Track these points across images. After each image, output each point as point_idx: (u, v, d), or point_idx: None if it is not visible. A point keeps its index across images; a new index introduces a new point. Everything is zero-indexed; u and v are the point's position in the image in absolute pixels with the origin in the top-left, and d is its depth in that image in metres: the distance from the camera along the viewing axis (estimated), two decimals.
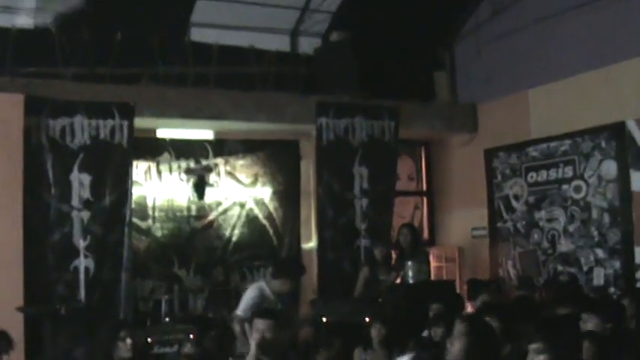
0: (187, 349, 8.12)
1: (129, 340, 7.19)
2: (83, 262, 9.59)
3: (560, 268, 10.59)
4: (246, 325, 8.56)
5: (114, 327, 7.59)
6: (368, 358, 8.03)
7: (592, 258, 10.17)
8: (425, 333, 8.54)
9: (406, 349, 8.23)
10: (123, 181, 9.92)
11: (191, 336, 9.13)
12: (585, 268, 10.25)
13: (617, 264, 9.85)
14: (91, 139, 9.74)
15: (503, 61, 11.77)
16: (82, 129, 9.70)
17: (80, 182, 9.66)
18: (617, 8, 10.01)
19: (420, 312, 8.94)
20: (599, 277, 10.03)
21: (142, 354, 8.54)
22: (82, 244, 9.61)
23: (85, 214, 9.66)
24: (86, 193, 9.68)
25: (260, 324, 6.29)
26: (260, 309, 7.82)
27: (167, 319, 10.04)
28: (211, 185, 11.27)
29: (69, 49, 10.11)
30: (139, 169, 10.82)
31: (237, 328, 8.55)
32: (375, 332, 8.18)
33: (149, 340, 9.03)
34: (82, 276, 9.59)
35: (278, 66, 11.50)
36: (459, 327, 5.63)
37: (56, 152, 9.58)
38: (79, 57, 10.15)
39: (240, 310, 8.59)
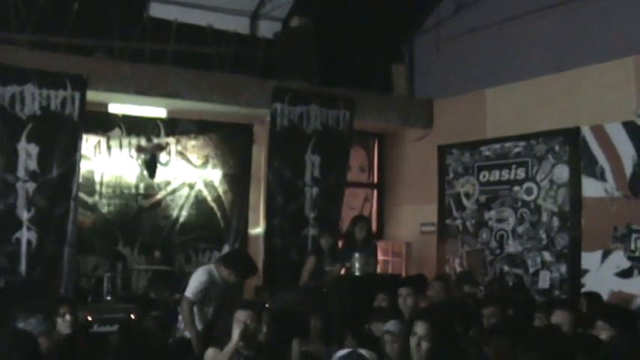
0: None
1: (68, 317, 7.06)
2: (26, 235, 9.37)
3: (506, 268, 10.63)
4: (195, 308, 8.49)
5: (54, 302, 7.44)
6: (307, 349, 7.98)
7: (539, 260, 10.23)
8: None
9: (345, 342, 8.21)
10: (71, 155, 9.70)
11: (132, 315, 9.03)
12: (532, 270, 10.30)
13: (564, 268, 9.92)
14: (42, 110, 9.49)
15: (462, 58, 11.79)
16: (32, 98, 9.45)
17: (27, 153, 9.42)
18: (579, 14, 10.07)
19: (363, 305, 8.90)
20: (544, 280, 10.09)
21: (82, 331, 8.40)
22: (25, 215, 9.38)
23: (31, 186, 9.43)
24: (33, 164, 9.44)
25: (241, 315, 6.21)
26: (232, 300, 7.76)
27: (109, 298, 9.89)
28: (162, 164, 11.12)
29: (24, 14, 9.86)
30: (89, 143, 10.63)
31: (185, 310, 8.45)
32: (314, 323, 8.14)
33: (89, 317, 8.85)
34: (24, 249, 9.36)
35: (236, 48, 11.36)
36: (421, 328, 5.57)
37: (4, 120, 9.32)
38: (34, 24, 9.90)
39: (190, 293, 8.48)
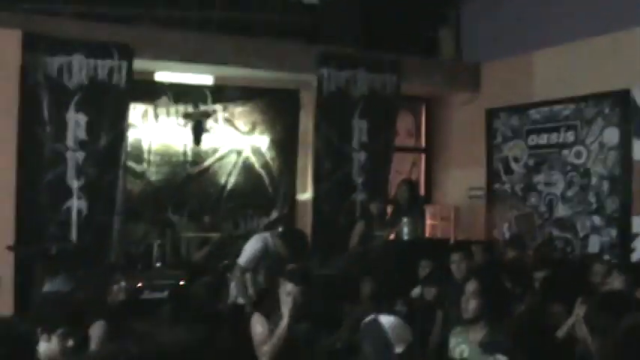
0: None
1: (123, 284, 7.15)
2: (76, 203, 9.48)
3: (556, 233, 10.54)
4: (247, 275, 8.54)
5: (108, 270, 7.53)
6: (357, 313, 7.99)
7: (588, 225, 10.12)
8: (416, 291, 8.52)
9: (395, 306, 8.23)
10: (119, 123, 9.77)
11: (181, 282, 9.12)
12: (581, 235, 10.20)
13: (614, 232, 9.79)
14: (89, 79, 9.56)
15: (509, 21, 11.61)
16: (79, 68, 9.52)
17: (76, 122, 9.51)
18: None
19: (412, 270, 8.91)
20: (594, 245, 9.99)
21: (133, 298, 8.51)
22: (75, 184, 9.48)
23: (80, 155, 9.52)
24: (82, 134, 9.53)
25: (291, 289, 6.20)
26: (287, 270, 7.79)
27: (158, 265, 10.00)
28: (208, 131, 11.17)
29: None
30: (136, 111, 10.70)
31: (238, 277, 8.50)
32: (363, 288, 8.16)
33: (140, 284, 8.95)
34: (74, 217, 9.47)
35: (282, 14, 11.33)
36: (471, 286, 5.66)
37: (53, 91, 9.40)
38: None
39: (243, 261, 8.53)
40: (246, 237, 9.14)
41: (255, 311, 7.44)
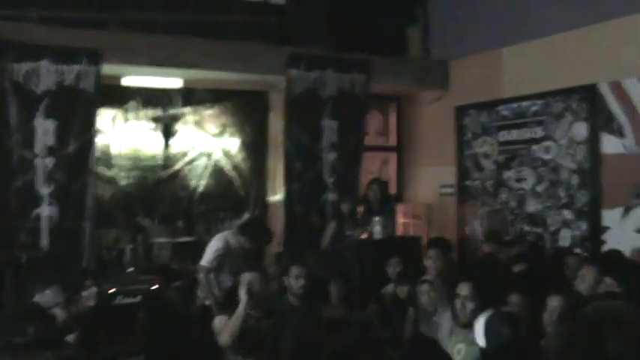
0: None
1: (94, 289, 7.13)
2: (46, 210, 9.40)
3: (527, 228, 10.59)
4: (210, 276, 8.57)
5: (78, 275, 7.50)
6: (329, 314, 8.01)
7: (559, 219, 10.17)
8: (388, 289, 8.54)
9: (367, 306, 8.25)
10: (88, 129, 9.69)
11: (154, 286, 9.09)
12: (552, 229, 10.24)
13: (584, 225, 9.85)
14: (57, 85, 9.47)
15: (477, 18, 11.64)
16: (47, 74, 9.44)
17: (44, 128, 9.42)
18: None
19: (385, 268, 8.95)
20: (565, 238, 10.04)
21: (105, 303, 8.47)
22: (45, 191, 9.40)
23: (49, 161, 9.43)
24: (50, 140, 9.44)
25: (247, 277, 6.24)
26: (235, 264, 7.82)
27: (131, 269, 9.95)
28: (178, 134, 11.12)
29: None
30: (105, 116, 10.64)
31: (202, 279, 8.54)
32: (334, 288, 8.18)
33: (111, 290, 8.91)
34: (44, 224, 9.39)
35: (250, 15, 11.31)
36: (464, 289, 5.76)
37: (20, 97, 9.31)
38: None
39: (205, 261, 8.59)
40: None
41: (220, 311, 7.52)
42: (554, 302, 5.82)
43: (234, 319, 6.14)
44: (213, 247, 8.67)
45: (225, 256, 8.61)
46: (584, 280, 6.60)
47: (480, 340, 4.20)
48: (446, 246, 8.53)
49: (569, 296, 6.30)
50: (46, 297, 6.33)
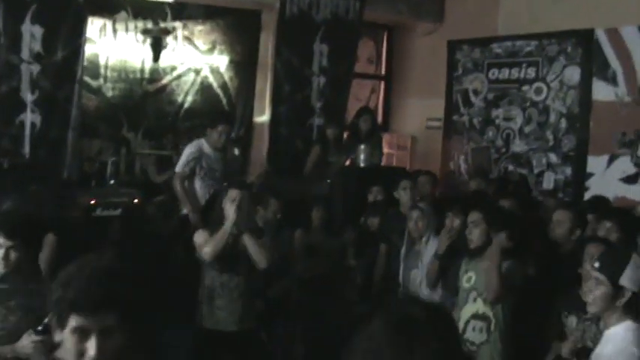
0: None
1: (76, 200, 7.11)
2: (30, 117, 9.28)
3: (511, 167, 10.60)
4: (186, 183, 8.59)
5: (60, 185, 7.45)
6: (309, 240, 8.04)
7: (544, 161, 10.18)
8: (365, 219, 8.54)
9: (344, 234, 8.26)
10: (76, 37, 9.52)
11: (135, 200, 9.06)
12: (536, 171, 10.27)
13: (569, 170, 9.88)
14: None
15: None
16: None
17: (32, 34, 9.23)
18: None
19: (366, 196, 8.92)
20: (549, 181, 10.06)
21: (85, 215, 8.45)
22: (29, 98, 9.26)
23: (35, 68, 9.27)
24: (37, 46, 9.26)
25: (234, 194, 6.20)
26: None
27: (112, 182, 9.90)
28: (167, 49, 10.96)
29: None
30: (94, 25, 10.43)
31: (177, 186, 8.56)
32: (316, 214, 8.18)
33: (92, 201, 8.86)
34: (27, 131, 9.28)
35: None
36: (473, 216, 5.91)
37: (7, 1, 9.10)
38: None
39: (178, 167, 8.61)
40: None
41: (198, 222, 7.54)
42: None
43: (219, 235, 6.10)
44: (186, 152, 8.72)
45: (199, 159, 8.62)
46: (560, 225, 6.60)
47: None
48: (431, 179, 8.54)
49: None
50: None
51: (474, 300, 5.74)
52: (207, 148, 8.67)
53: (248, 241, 6.13)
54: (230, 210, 6.11)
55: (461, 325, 5.69)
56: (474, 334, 5.70)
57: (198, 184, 8.68)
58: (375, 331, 2.38)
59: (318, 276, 7.74)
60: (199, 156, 8.63)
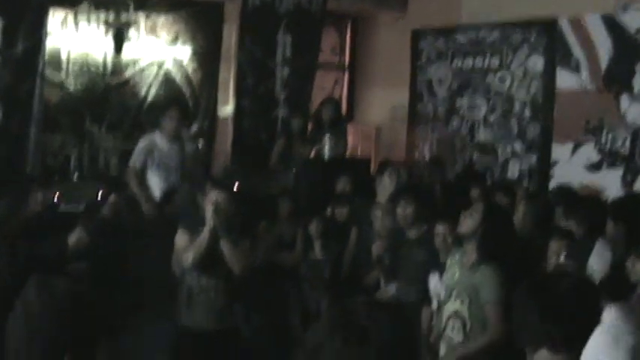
0: None
1: (40, 195, 7.03)
2: None
3: (476, 157, 10.63)
4: (157, 178, 8.55)
5: (24, 180, 7.36)
6: (274, 232, 8.03)
7: (509, 150, 10.23)
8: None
9: (310, 225, 8.24)
10: (37, 30, 9.42)
11: (99, 193, 8.97)
12: (501, 160, 10.31)
13: (534, 159, 9.93)
14: None
15: None
16: None
17: None
18: None
19: (332, 187, 8.92)
20: (514, 170, 10.11)
21: (49, 210, 8.35)
22: None
23: None
24: None
25: (215, 196, 6.15)
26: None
27: (76, 176, 9.80)
28: (130, 41, 10.84)
29: None
30: (55, 18, 10.30)
31: (131, 181, 8.50)
32: (282, 206, 8.17)
33: (56, 196, 8.77)
34: None
35: None
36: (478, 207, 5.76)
37: None
38: None
39: (131, 162, 8.56)
40: None
41: (163, 209, 7.51)
42: None
43: (198, 242, 6.08)
44: (138, 146, 8.80)
45: (150, 150, 8.60)
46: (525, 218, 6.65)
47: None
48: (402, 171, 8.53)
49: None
50: None
51: (455, 298, 5.66)
52: (160, 140, 8.64)
53: (225, 246, 6.10)
54: (209, 213, 6.09)
55: (443, 321, 5.66)
56: (452, 333, 5.62)
57: (151, 177, 8.64)
58: (320, 326, 2.43)
59: (286, 268, 7.76)
60: (151, 149, 8.60)
